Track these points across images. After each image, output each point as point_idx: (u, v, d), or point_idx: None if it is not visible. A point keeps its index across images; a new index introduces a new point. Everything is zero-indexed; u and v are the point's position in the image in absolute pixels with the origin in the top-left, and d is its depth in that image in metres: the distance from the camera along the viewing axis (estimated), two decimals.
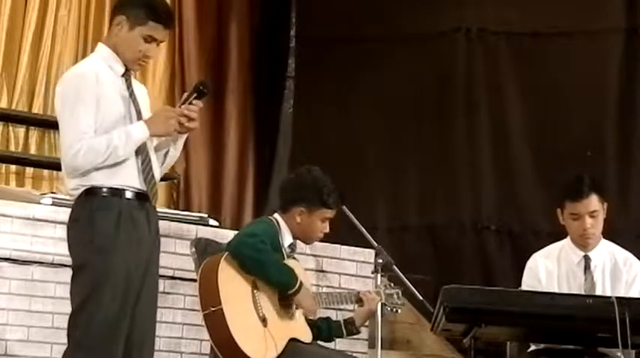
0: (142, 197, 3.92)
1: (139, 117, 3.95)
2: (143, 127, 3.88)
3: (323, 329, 4.63)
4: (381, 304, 4.80)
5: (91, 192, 3.85)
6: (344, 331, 4.67)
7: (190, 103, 3.97)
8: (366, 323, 5.97)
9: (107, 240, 3.81)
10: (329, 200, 4.54)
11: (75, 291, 3.86)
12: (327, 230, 4.61)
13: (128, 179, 3.89)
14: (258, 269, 4.30)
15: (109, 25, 4.05)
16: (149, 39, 3.95)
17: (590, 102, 7.63)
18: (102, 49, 4.00)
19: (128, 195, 3.88)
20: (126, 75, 3.99)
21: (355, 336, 5.04)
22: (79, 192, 3.88)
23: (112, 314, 3.79)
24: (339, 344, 5.85)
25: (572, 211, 4.74)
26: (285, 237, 4.54)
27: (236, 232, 4.67)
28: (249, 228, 4.54)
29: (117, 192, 3.86)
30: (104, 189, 3.85)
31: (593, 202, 4.71)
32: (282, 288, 4.35)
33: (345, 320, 4.67)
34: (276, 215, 4.59)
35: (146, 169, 3.94)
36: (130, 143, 3.85)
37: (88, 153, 3.79)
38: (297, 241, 4.65)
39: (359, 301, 4.68)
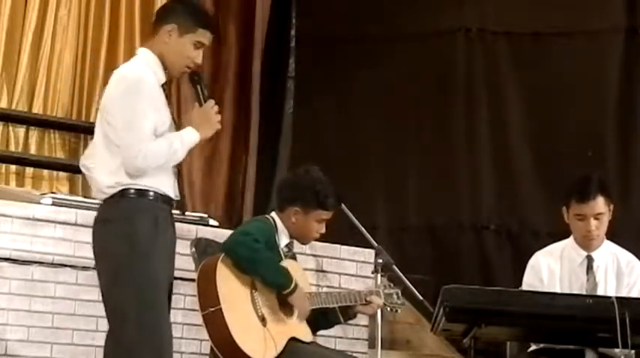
0: (170, 204, 3.98)
1: (175, 126, 4.01)
2: (193, 132, 3.95)
3: (319, 320, 4.61)
4: None
5: (128, 193, 3.88)
6: (340, 318, 4.64)
7: (204, 99, 4.04)
8: (366, 323, 5.99)
9: (148, 243, 3.84)
10: (325, 201, 4.52)
11: (112, 293, 3.87)
12: (323, 231, 4.59)
13: (163, 185, 3.94)
14: (251, 268, 4.29)
15: (152, 32, 4.09)
16: (198, 45, 4.04)
17: (590, 102, 7.62)
18: (147, 54, 4.03)
19: (162, 199, 3.93)
20: (164, 85, 4.04)
21: (355, 336, 5.04)
22: (115, 191, 3.89)
23: (156, 317, 3.83)
24: (339, 344, 5.87)
25: (578, 212, 4.73)
26: (282, 236, 4.53)
27: None
28: (244, 227, 4.53)
29: (154, 195, 3.90)
30: (142, 191, 3.88)
31: (600, 204, 4.70)
32: (277, 288, 4.34)
33: (339, 307, 4.63)
34: (273, 214, 4.58)
35: (177, 180, 4.02)
36: (184, 147, 3.92)
37: (151, 155, 3.83)
38: (295, 241, 4.64)
39: (367, 303, 4.65)
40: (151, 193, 3.89)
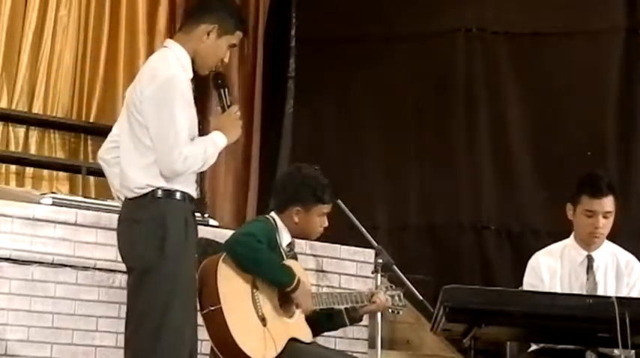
0: (193, 203, 3.96)
1: (199, 124, 3.98)
2: (223, 136, 3.93)
3: (322, 321, 4.61)
4: None
5: (157, 194, 3.84)
6: (346, 320, 4.65)
7: (228, 103, 4.04)
8: (366, 323, 5.98)
9: (178, 247, 3.81)
10: (324, 196, 4.54)
11: (139, 295, 3.84)
12: (326, 223, 4.60)
13: (189, 185, 3.92)
14: (254, 268, 4.30)
15: (183, 27, 4.02)
16: (231, 46, 4.02)
17: (590, 102, 7.63)
18: (179, 50, 3.96)
19: (189, 199, 3.91)
20: (191, 79, 3.98)
21: (355, 336, 5.03)
22: (144, 191, 3.85)
23: (180, 322, 3.81)
24: (339, 344, 5.86)
25: (588, 208, 4.72)
26: (283, 236, 4.53)
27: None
28: (245, 228, 4.54)
29: (183, 196, 3.88)
30: (170, 192, 3.85)
31: (610, 203, 4.71)
32: (280, 286, 4.35)
33: (346, 309, 4.65)
34: (272, 214, 4.58)
35: (198, 179, 3.99)
36: (216, 152, 3.91)
37: (191, 159, 3.81)
38: (295, 240, 4.65)
39: (372, 301, 4.66)
40: (179, 194, 3.87)
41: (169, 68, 3.89)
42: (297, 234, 4.58)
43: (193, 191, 3.95)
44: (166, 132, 3.79)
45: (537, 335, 4.54)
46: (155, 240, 3.79)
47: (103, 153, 4.10)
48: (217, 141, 3.92)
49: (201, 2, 4.08)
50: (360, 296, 4.66)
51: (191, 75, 3.97)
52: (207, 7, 4.02)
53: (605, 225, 4.72)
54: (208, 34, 3.96)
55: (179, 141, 3.78)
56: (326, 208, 4.58)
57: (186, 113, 3.84)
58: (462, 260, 7.64)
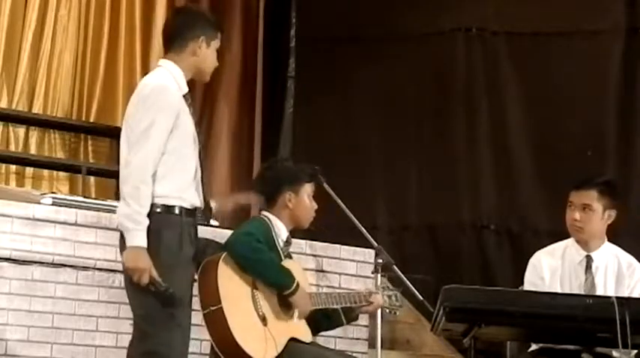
0: (194, 216, 4.03)
1: (198, 136, 4.06)
2: (143, 240, 3.84)
3: (321, 320, 4.63)
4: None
5: (155, 207, 3.90)
6: (343, 319, 4.67)
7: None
8: (366, 323, 5.99)
9: (172, 257, 3.90)
10: (306, 175, 4.68)
11: (133, 301, 3.96)
12: (316, 206, 4.68)
13: (188, 199, 3.99)
14: (254, 268, 4.32)
15: (167, 49, 4.09)
16: (217, 50, 4.14)
17: (590, 102, 7.62)
18: (173, 67, 4.05)
19: (187, 213, 3.98)
20: (187, 95, 4.06)
21: (355, 336, 5.03)
22: None
23: (166, 330, 3.88)
24: (339, 344, 5.86)
25: (570, 199, 4.78)
26: (280, 232, 4.57)
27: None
28: (244, 228, 4.55)
29: (181, 211, 3.95)
30: (168, 207, 3.92)
31: (589, 196, 4.71)
32: (279, 288, 4.37)
33: (342, 308, 4.67)
34: (264, 213, 4.62)
35: (200, 187, 4.06)
36: (133, 231, 3.82)
37: (138, 188, 3.82)
38: (294, 240, 4.66)
39: (369, 302, 4.68)
40: (177, 208, 3.94)
41: (158, 80, 3.99)
42: (293, 221, 4.62)
43: (197, 200, 4.02)
44: (138, 139, 3.87)
45: (537, 335, 4.55)
46: (150, 251, 3.85)
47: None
48: (138, 236, 3.83)
49: (178, 21, 4.15)
50: (358, 297, 4.67)
51: (185, 90, 4.05)
52: (187, 24, 4.11)
53: (583, 219, 4.72)
54: (200, 47, 4.06)
55: (149, 159, 3.84)
56: (310, 187, 4.68)
57: (168, 125, 3.89)
58: (462, 260, 7.64)
